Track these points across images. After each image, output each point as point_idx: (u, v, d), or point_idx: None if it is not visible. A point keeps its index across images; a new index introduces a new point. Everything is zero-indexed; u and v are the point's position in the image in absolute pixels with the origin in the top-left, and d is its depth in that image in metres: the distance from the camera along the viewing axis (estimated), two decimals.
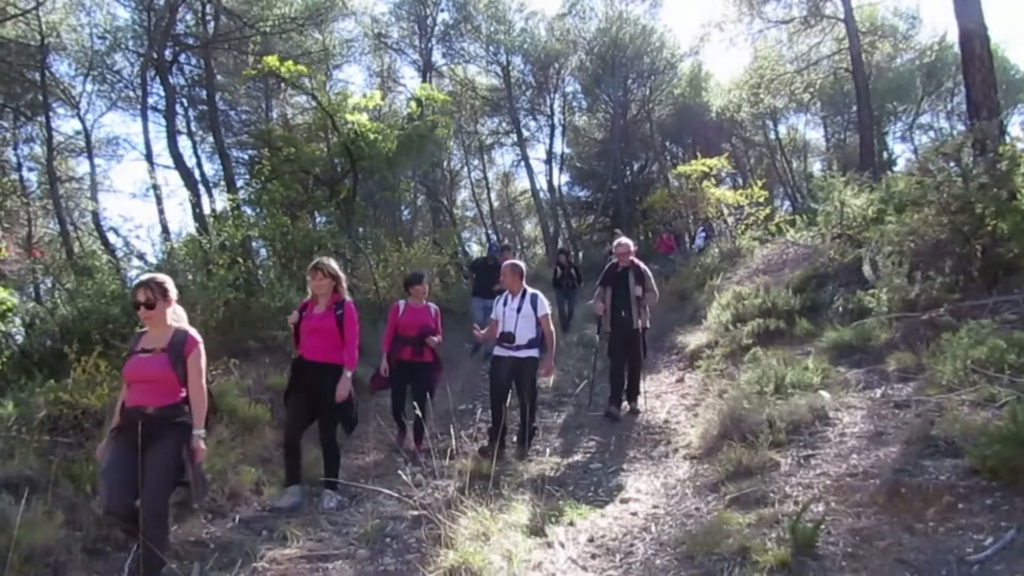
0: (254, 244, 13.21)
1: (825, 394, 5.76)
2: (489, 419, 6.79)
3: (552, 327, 6.50)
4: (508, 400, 6.07)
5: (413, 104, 16.11)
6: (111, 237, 17.30)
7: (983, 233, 7.05)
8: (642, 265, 7.89)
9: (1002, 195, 7.08)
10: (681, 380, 8.98)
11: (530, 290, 6.54)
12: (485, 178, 34.61)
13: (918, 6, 37.09)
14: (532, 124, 31.29)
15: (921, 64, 26.09)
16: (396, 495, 5.25)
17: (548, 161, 30.45)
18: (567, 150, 32.99)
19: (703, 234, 19.19)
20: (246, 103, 23.04)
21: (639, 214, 27.96)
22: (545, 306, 6.47)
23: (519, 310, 6.39)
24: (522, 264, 6.75)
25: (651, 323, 8.77)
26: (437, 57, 27.48)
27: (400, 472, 4.64)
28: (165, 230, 14.60)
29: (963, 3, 9.06)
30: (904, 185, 8.96)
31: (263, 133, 18.29)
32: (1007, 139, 7.96)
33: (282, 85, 19.36)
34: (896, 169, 20.70)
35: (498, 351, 6.52)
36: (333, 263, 5.53)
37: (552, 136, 30.27)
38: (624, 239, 8.18)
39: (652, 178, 31.72)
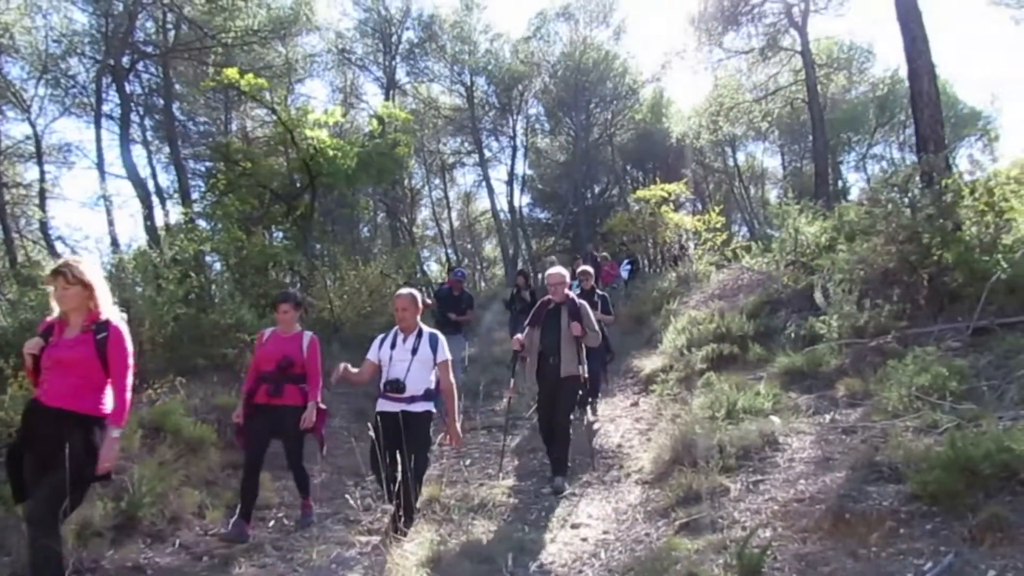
0: (207, 258, 13.01)
1: (776, 419, 5.83)
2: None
3: (453, 378, 5.17)
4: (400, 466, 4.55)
5: (375, 122, 16.12)
6: (58, 247, 16.93)
7: (929, 263, 7.27)
8: (578, 300, 6.64)
9: (947, 226, 7.33)
10: (636, 404, 9.02)
11: (427, 329, 5.23)
12: (446, 197, 34.72)
13: (872, 42, 38.22)
14: (494, 144, 31.49)
15: (874, 96, 27.02)
16: (344, 520, 5.17)
17: (509, 182, 30.61)
18: (529, 171, 33.23)
19: (628, 267, 18.69)
20: (204, 114, 22.74)
21: (599, 237, 28.23)
22: (446, 350, 5.15)
23: (414, 352, 5.04)
24: (418, 294, 5.30)
25: (599, 363, 8.39)
26: (401, 75, 27.61)
27: (347, 496, 4.55)
28: (115, 242, 14.34)
29: (912, 42, 9.39)
30: (855, 214, 9.21)
31: (221, 146, 18.09)
32: (953, 172, 8.25)
33: (242, 97, 19.18)
34: (849, 198, 21.29)
35: (383, 405, 5.03)
36: (84, 266, 3.80)
37: (514, 157, 30.48)
38: (557, 268, 6.81)
39: (612, 201, 32.05)
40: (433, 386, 5.10)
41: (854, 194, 25.25)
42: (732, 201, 32.12)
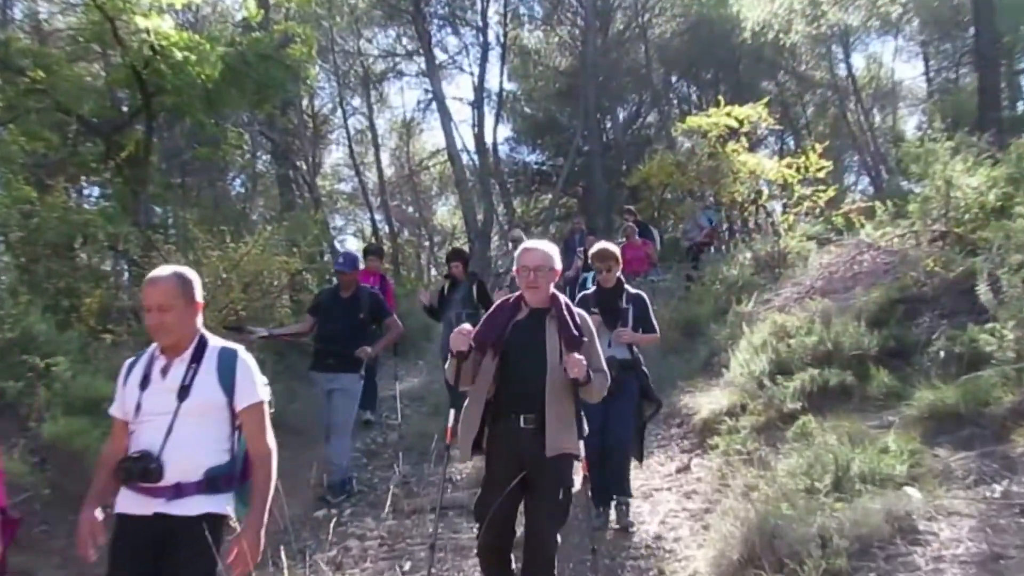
0: None
1: (913, 492, 5.87)
2: None
3: (272, 442, 4.15)
4: None
5: (251, 4, 16.00)
6: None
7: None
8: (572, 305, 5.46)
9: None
10: (685, 468, 9.05)
11: (215, 342, 4.17)
12: (372, 129, 34.52)
13: None
14: (452, 42, 31.55)
15: None
16: None
17: (478, 104, 30.50)
18: (510, 87, 33.18)
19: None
20: None
21: (626, 193, 28.11)
22: (255, 383, 4.15)
23: (184, 392, 3.97)
24: (191, 274, 4.17)
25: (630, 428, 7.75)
26: None
27: None
28: None
29: None
30: None
31: None
32: None
33: None
34: None
35: (126, 504, 3.97)
36: None
37: (484, 62, 30.55)
38: (540, 244, 5.55)
39: (648, 135, 32.10)
40: (228, 460, 4.07)
41: None
42: (843, 135, 32.23)
